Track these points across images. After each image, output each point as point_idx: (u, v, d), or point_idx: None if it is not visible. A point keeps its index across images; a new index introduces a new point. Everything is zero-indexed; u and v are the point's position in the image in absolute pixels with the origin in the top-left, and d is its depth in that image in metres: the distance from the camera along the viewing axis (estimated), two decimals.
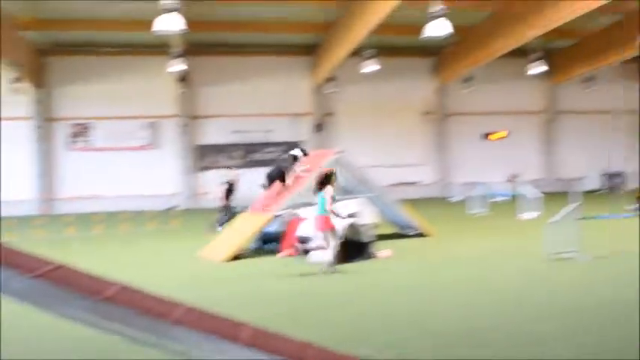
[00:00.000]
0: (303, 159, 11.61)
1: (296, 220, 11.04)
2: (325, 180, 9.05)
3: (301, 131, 23.08)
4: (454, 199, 21.64)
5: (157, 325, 2.94)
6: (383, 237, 12.14)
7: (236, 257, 10.07)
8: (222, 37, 21.46)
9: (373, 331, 5.84)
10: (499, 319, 6.13)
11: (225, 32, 20.62)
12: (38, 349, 5.35)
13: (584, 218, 9.98)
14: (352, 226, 10.11)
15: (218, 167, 22.39)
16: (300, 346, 3.24)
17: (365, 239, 10.04)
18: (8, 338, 5.40)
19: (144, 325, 2.89)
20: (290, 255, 10.32)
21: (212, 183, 21.55)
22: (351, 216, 11.14)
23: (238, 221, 11.45)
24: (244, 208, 12.30)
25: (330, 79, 21.82)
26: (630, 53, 21.00)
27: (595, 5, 14.94)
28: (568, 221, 9.41)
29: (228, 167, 14.87)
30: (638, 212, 13.58)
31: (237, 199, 14.56)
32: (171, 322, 2.98)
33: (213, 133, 22.68)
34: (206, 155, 22.62)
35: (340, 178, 10.45)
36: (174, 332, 2.94)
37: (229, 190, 14.41)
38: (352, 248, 9.84)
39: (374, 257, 9.97)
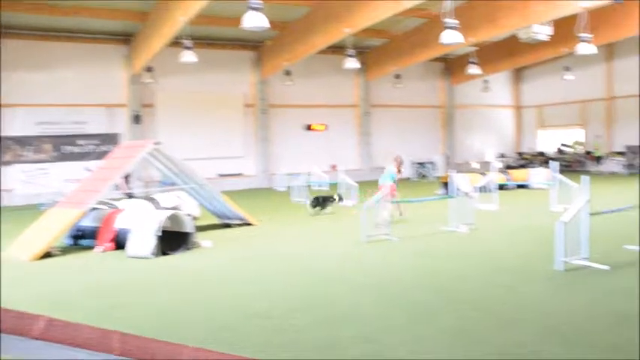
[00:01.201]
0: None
1: (113, 213, 10.50)
2: (400, 164, 13.06)
3: (118, 123, 21.88)
4: (281, 189, 22.07)
5: None
6: (206, 228, 12.07)
7: (47, 255, 9.32)
8: (24, 20, 19.50)
9: (196, 317, 5.76)
10: (315, 299, 6.35)
11: (30, 14, 18.77)
12: None
13: (396, 202, 10.74)
14: (173, 217, 9.86)
15: (24, 161, 20.47)
16: (104, 333, 2.99)
17: (186, 230, 9.84)
18: None
19: None
20: (107, 249, 9.80)
21: (16, 179, 19.69)
22: (172, 207, 10.84)
23: (46, 217, 10.55)
24: (54, 203, 11.42)
25: (148, 69, 20.91)
26: (434, 54, 22.97)
27: (399, 9, 16.05)
28: (382, 206, 10.08)
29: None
30: (445, 195, 14.82)
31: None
32: None
33: (16, 124, 20.50)
34: (8, 148, 20.45)
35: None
36: None
37: (127, 178, 13.45)
38: (174, 239, 9.61)
39: (196, 247, 9.83)
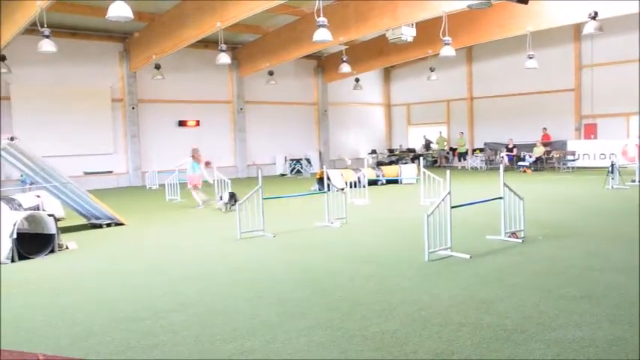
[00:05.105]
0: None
1: None
2: (197, 154, 15.19)
3: None
4: (154, 187, 21.38)
5: None
6: (72, 229, 11.46)
7: None
8: None
9: (58, 323, 5.39)
10: (187, 298, 6.19)
11: None
12: None
13: (269, 198, 10.75)
14: (33, 219, 9.17)
15: None
16: None
17: (49, 232, 9.18)
18: None
19: None
20: None
21: None
22: (33, 208, 10.13)
23: None
24: None
25: (1, 58, 19.13)
26: (305, 51, 23.22)
27: (270, 5, 16.07)
28: (255, 203, 10.05)
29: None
30: (319, 191, 15.02)
31: None
32: None
33: None
34: None
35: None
36: None
37: None
38: (35, 242, 8.96)
39: (60, 250, 9.22)
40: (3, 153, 10.16)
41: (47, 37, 14.91)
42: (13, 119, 20.68)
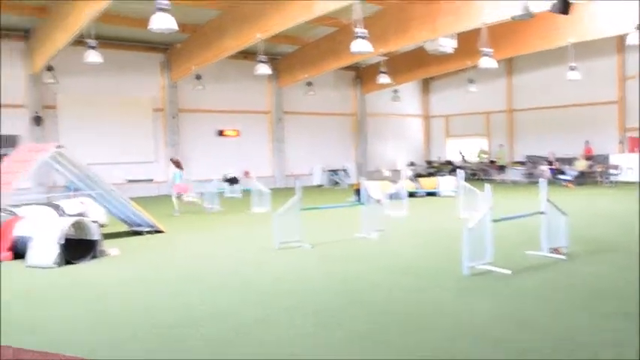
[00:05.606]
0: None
1: (12, 220, 9.88)
2: (178, 164, 16.26)
3: (17, 124, 20.53)
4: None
5: None
6: (114, 235, 11.69)
7: None
8: None
9: (99, 328, 5.51)
10: (225, 307, 6.25)
11: None
12: None
13: (308, 209, 10.80)
14: (78, 225, 9.42)
15: None
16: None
17: (92, 237, 9.41)
18: None
19: None
20: (5, 259, 9.20)
21: None
22: (77, 214, 10.38)
23: None
24: None
25: (49, 68, 19.79)
26: (344, 62, 23.29)
27: (309, 17, 16.18)
28: (293, 213, 10.08)
29: None
30: (356, 202, 15.01)
31: None
32: None
33: None
34: None
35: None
36: None
37: None
38: (79, 247, 9.19)
39: (103, 256, 9.44)
40: (51, 160, 10.48)
41: (93, 48, 15.32)
42: (59, 128, 21.28)
